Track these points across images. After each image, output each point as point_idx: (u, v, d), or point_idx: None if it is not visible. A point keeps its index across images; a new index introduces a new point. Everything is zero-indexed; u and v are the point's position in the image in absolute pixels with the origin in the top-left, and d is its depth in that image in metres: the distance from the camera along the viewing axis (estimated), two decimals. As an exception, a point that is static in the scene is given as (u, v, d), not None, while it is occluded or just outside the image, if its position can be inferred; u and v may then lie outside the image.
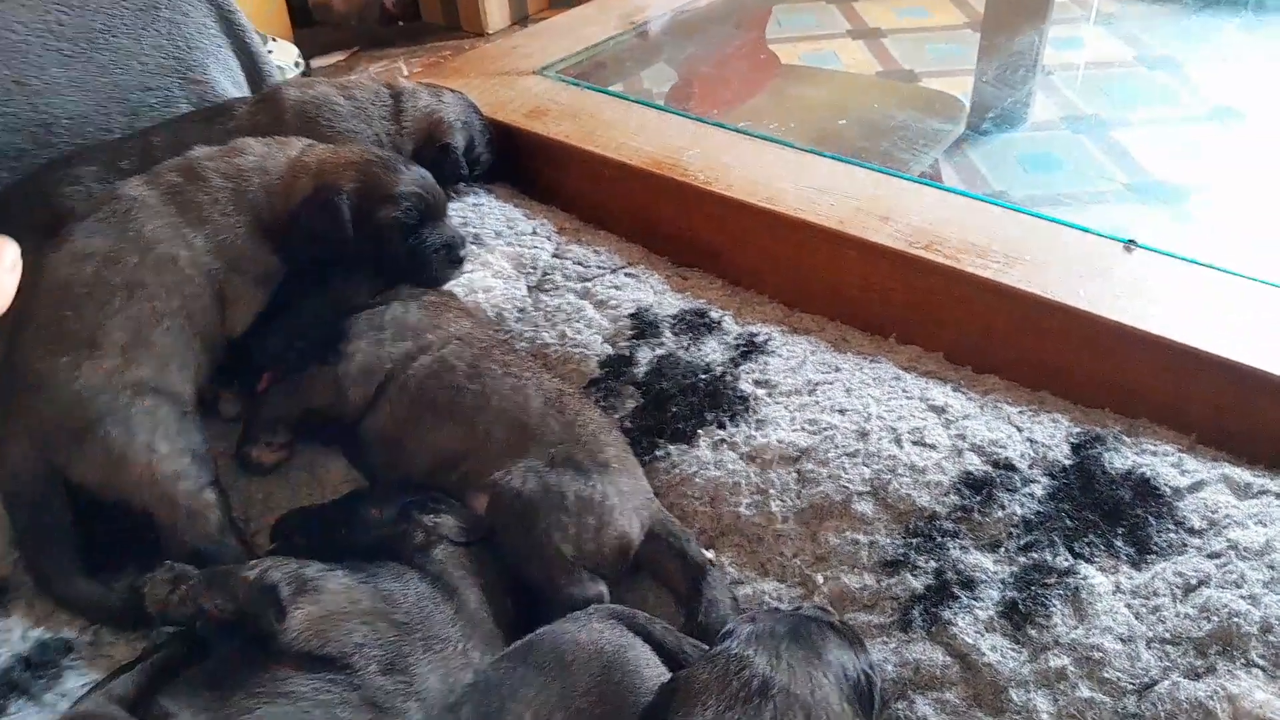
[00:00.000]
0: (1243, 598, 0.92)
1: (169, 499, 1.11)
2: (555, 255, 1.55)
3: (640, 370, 1.29)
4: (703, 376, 1.26)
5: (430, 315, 1.28)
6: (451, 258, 1.36)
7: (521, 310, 1.44)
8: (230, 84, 1.94)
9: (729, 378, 1.26)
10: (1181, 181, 1.97)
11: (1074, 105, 2.27)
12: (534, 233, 1.59)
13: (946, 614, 0.97)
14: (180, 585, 0.94)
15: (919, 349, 1.34)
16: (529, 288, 1.48)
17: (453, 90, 1.67)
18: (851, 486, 1.09)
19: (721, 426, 1.19)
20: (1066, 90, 2.38)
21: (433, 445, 1.15)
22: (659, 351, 1.31)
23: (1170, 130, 2.17)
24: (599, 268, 1.50)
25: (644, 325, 1.36)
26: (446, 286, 1.40)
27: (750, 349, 1.30)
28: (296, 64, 2.52)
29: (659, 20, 2.26)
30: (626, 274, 1.48)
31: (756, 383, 1.25)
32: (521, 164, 1.77)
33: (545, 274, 1.51)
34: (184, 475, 1.12)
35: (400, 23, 3.21)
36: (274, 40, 2.56)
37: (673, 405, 1.23)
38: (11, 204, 1.39)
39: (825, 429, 1.16)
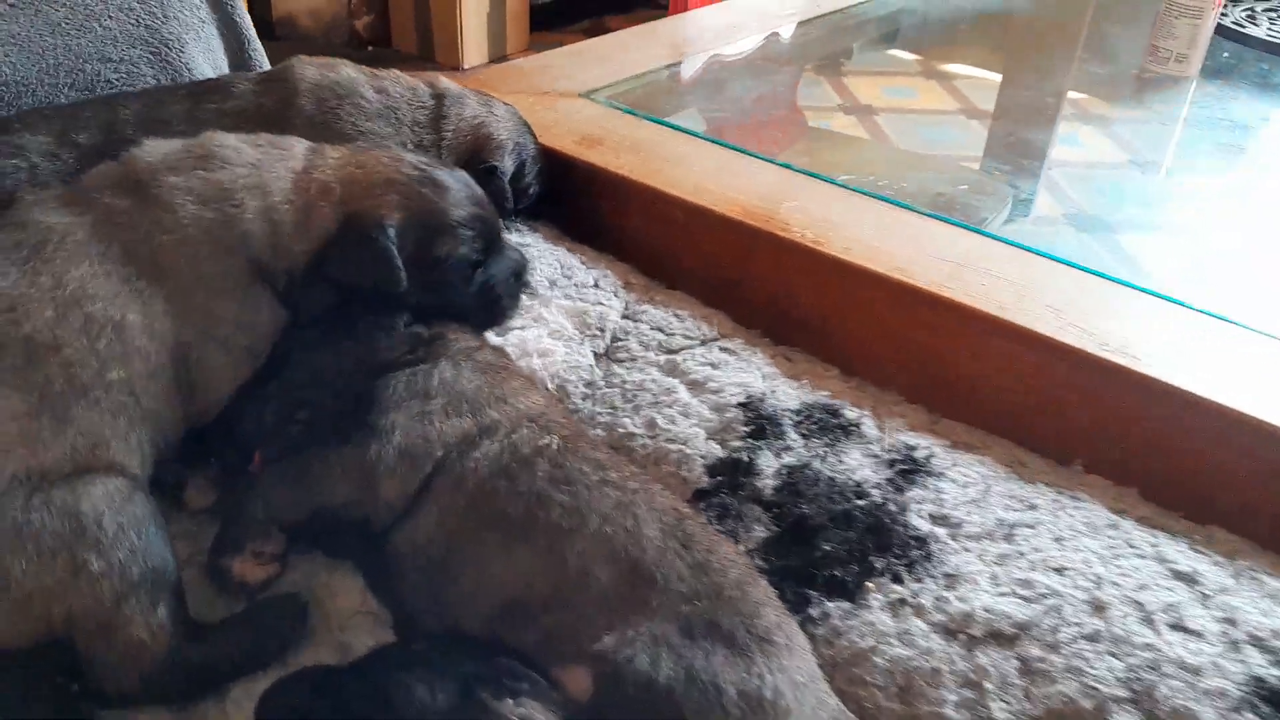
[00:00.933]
0: None
1: (106, 627, 0.76)
2: (626, 316, 1.21)
3: (766, 484, 0.96)
4: (858, 503, 0.93)
5: (490, 382, 0.93)
6: (519, 285, 1.06)
7: (589, 384, 1.10)
8: (209, 68, 1.58)
9: (892, 507, 0.93)
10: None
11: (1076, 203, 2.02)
12: (596, 285, 1.25)
13: None
14: None
15: (1108, 481, 1.04)
16: (596, 355, 1.14)
17: (505, 102, 1.34)
18: (1103, 688, 0.77)
19: (897, 579, 0.87)
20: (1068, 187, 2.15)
21: (500, 580, 0.80)
22: (787, 460, 0.98)
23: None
24: (685, 337, 1.18)
25: (761, 420, 1.03)
26: (496, 342, 1.06)
27: (910, 468, 0.99)
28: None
29: (708, 55, 1.97)
30: (721, 348, 1.16)
31: (933, 518, 0.93)
32: (570, 199, 1.44)
33: (616, 339, 1.17)
34: (129, 594, 0.77)
35: (370, 48, 2.90)
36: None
37: (823, 541, 0.90)
38: None
39: (1044, 595, 0.85)
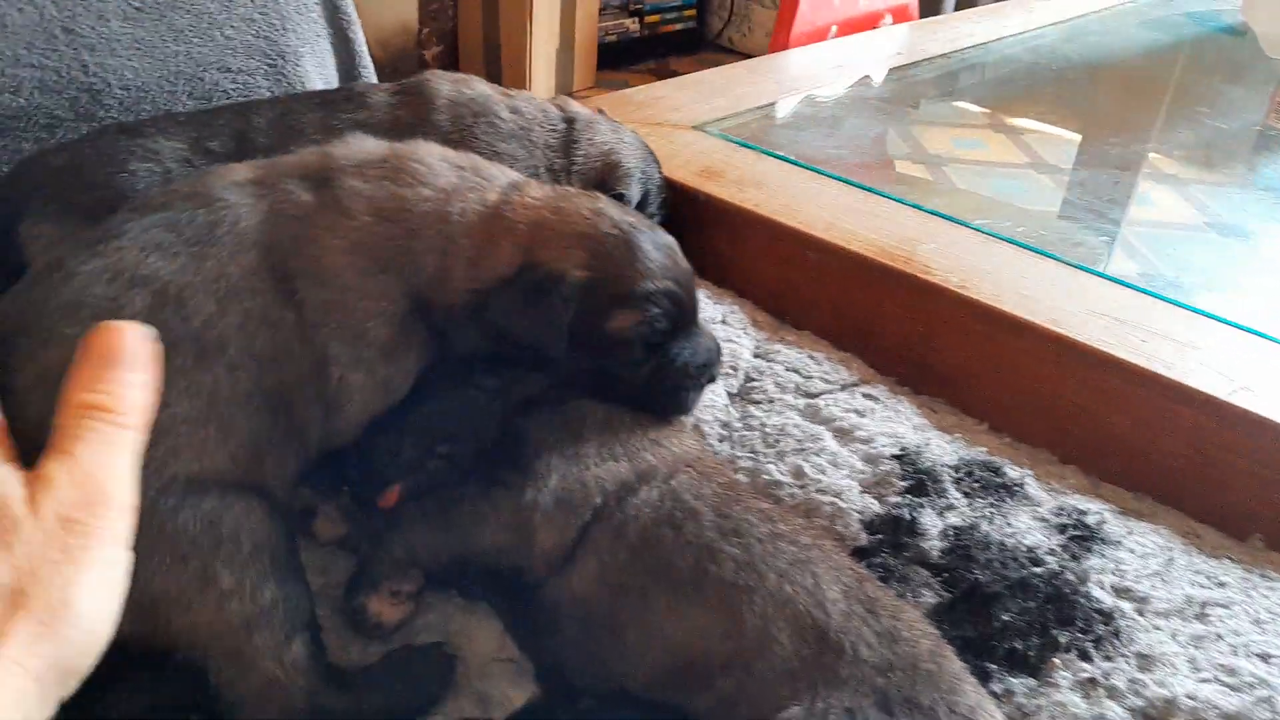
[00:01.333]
0: None
1: (235, 655, 0.70)
2: (757, 355, 1.16)
3: (932, 545, 0.89)
4: (1034, 570, 0.86)
5: (642, 422, 0.88)
6: (702, 381, 0.93)
7: (726, 426, 1.04)
8: (321, 82, 1.55)
9: (1071, 576, 0.86)
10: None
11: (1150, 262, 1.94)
12: (724, 321, 1.20)
13: None
14: None
15: (1292, 559, 0.96)
16: (730, 394, 1.08)
17: (631, 130, 1.29)
18: (1332, 794, 0.69)
19: (1085, 657, 0.80)
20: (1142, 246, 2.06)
21: (671, 639, 0.74)
22: (952, 520, 0.92)
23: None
24: (823, 380, 1.11)
25: (919, 475, 0.96)
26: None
27: (1084, 534, 0.92)
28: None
29: (817, 92, 1.92)
30: (864, 394, 1.10)
31: (1116, 590, 0.86)
32: (687, 232, 1.39)
33: (750, 379, 1.11)
34: (261, 622, 0.71)
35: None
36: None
37: (1000, 610, 0.83)
38: (54, 169, 0.97)
39: (1250, 684, 0.77)
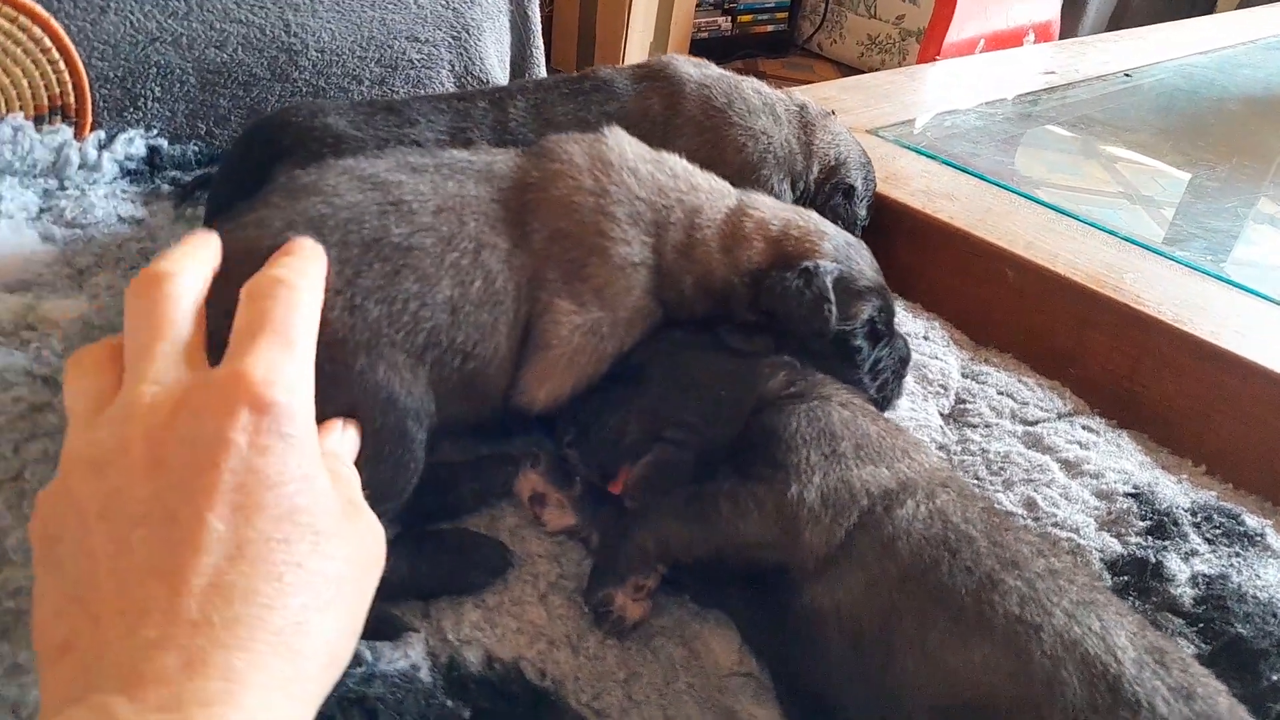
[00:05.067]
0: None
1: None
2: (965, 375, 1.11)
3: (1183, 592, 0.85)
4: (1297, 628, 0.82)
5: (888, 433, 0.84)
6: (902, 376, 0.99)
7: (941, 447, 1.00)
8: (496, 61, 1.53)
9: (1335, 638, 0.81)
10: None
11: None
12: (926, 337, 1.16)
13: None
14: None
15: None
16: (943, 415, 1.04)
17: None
18: None
19: (1366, 726, 0.75)
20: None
21: (954, 671, 0.70)
22: (1200, 567, 0.87)
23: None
24: (1039, 408, 1.07)
25: (1159, 516, 0.92)
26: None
27: (1340, 594, 0.87)
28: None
29: (988, 103, 1.87)
30: (1083, 426, 1.05)
31: (1388, 659, 0.81)
32: (866, 236, 1.35)
33: (961, 401, 1.07)
34: None
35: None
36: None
37: (1269, 670, 0.79)
38: (320, 128, 0.95)
39: None
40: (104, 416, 0.50)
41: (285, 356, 0.52)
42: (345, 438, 0.65)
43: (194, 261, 0.55)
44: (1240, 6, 3.74)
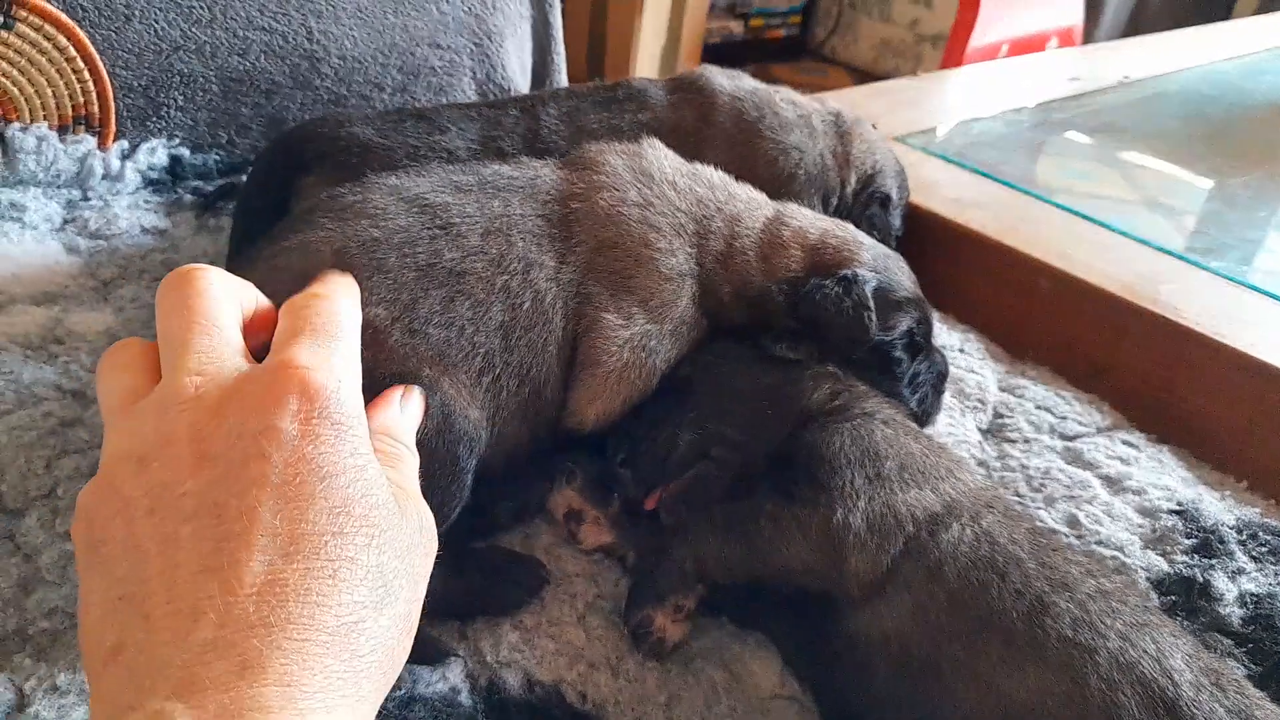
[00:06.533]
0: None
1: None
2: (1002, 389, 1.10)
3: (1231, 612, 0.83)
4: (1349, 650, 0.80)
5: (931, 452, 0.82)
6: (940, 390, 0.97)
7: (981, 463, 0.99)
8: (518, 65, 1.52)
9: (1388, 663, 0.79)
10: None
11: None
12: (961, 350, 1.14)
13: None
14: None
15: None
16: (981, 430, 1.03)
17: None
18: None
19: None
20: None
21: (1009, 697, 0.68)
22: (1247, 585, 0.85)
23: None
24: (1078, 422, 1.05)
25: (1204, 534, 0.90)
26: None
27: (1394, 617, 0.85)
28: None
29: (1015, 110, 1.85)
30: (1124, 441, 1.03)
31: None
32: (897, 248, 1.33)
33: (999, 415, 1.05)
34: None
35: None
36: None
37: (1323, 692, 0.76)
38: (346, 139, 0.94)
39: None
40: (142, 407, 0.48)
41: (330, 347, 0.51)
42: (405, 413, 0.61)
43: (223, 272, 0.54)
44: (1259, 11, 3.71)
